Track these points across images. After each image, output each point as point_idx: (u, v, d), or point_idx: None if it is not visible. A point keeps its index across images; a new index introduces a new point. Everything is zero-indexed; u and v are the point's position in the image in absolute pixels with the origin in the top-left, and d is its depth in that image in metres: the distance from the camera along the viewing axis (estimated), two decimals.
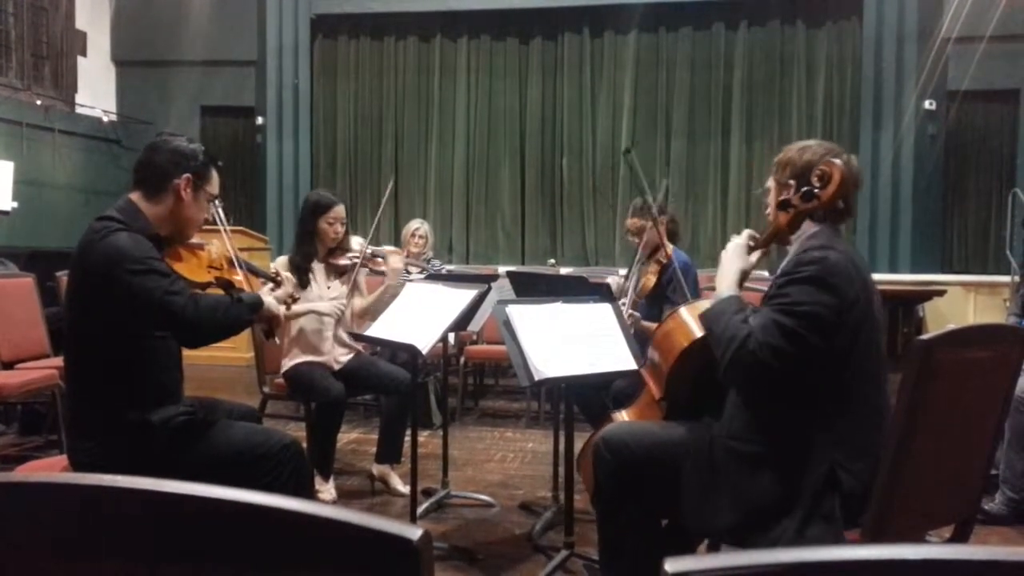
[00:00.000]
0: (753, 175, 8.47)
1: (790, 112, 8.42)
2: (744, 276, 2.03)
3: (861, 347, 1.84)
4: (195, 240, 2.40)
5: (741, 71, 8.49)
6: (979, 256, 8.05)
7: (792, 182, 1.99)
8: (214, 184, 2.33)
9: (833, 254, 1.83)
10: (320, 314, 3.57)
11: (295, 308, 3.44)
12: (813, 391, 1.83)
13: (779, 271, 1.93)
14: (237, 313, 2.24)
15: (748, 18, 8.46)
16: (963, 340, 1.72)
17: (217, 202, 2.42)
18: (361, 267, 3.65)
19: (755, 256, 2.05)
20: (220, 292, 2.31)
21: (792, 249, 1.99)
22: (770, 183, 2.10)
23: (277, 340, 2.61)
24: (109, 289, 2.07)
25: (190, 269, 2.28)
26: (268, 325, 2.42)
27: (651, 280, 3.52)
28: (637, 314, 3.44)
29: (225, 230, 2.52)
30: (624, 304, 3.42)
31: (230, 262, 2.45)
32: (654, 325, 3.44)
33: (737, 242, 2.06)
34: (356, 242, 3.75)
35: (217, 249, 2.45)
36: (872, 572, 0.57)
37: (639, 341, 3.45)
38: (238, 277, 2.40)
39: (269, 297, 2.41)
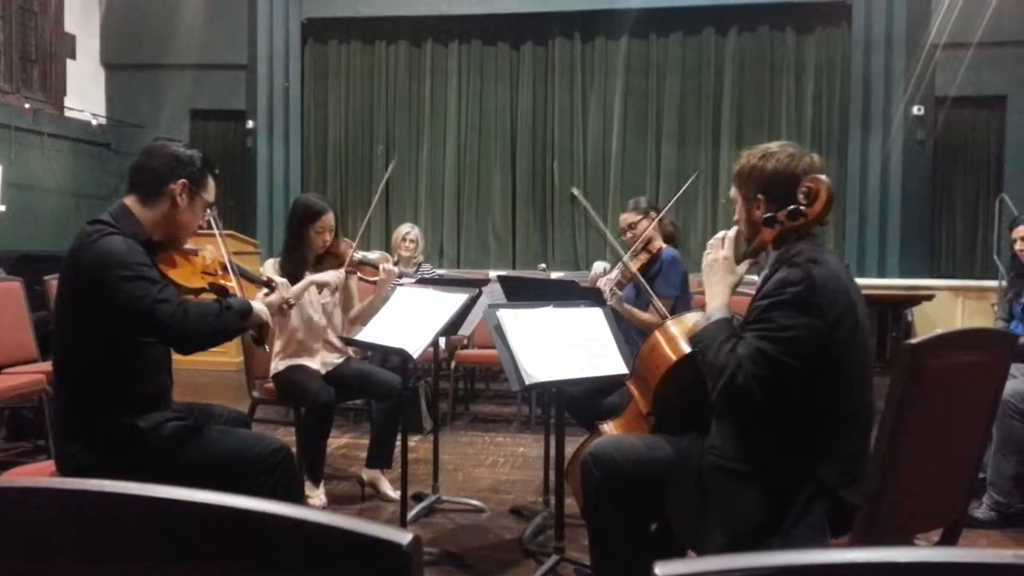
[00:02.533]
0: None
1: (780, 117, 8.46)
2: (734, 289, 2.01)
3: (849, 359, 1.83)
4: (189, 246, 2.39)
5: (731, 76, 8.52)
6: (967, 261, 8.10)
7: (760, 196, 1.95)
8: (210, 191, 2.32)
9: (816, 270, 1.81)
10: (321, 283, 3.52)
11: (297, 285, 3.41)
12: (802, 408, 1.81)
13: (760, 289, 1.91)
14: (227, 320, 2.23)
15: (738, 24, 8.50)
16: (951, 344, 1.73)
17: (212, 207, 2.41)
18: (349, 274, 3.64)
19: (743, 267, 2.02)
20: (213, 297, 2.30)
21: (769, 261, 1.97)
22: (734, 193, 2.05)
23: (267, 348, 2.59)
24: (98, 294, 2.06)
25: (183, 275, 2.27)
26: (258, 332, 2.41)
27: (635, 265, 3.56)
28: (620, 293, 3.50)
29: (220, 235, 2.50)
30: (608, 280, 3.49)
31: (224, 268, 2.44)
32: (634, 309, 3.51)
33: (725, 255, 2.01)
34: (347, 245, 3.74)
35: (211, 254, 2.44)
36: (860, 575, 0.57)
37: (616, 319, 3.52)
38: (232, 283, 2.39)
39: (259, 303, 2.40)
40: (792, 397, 1.80)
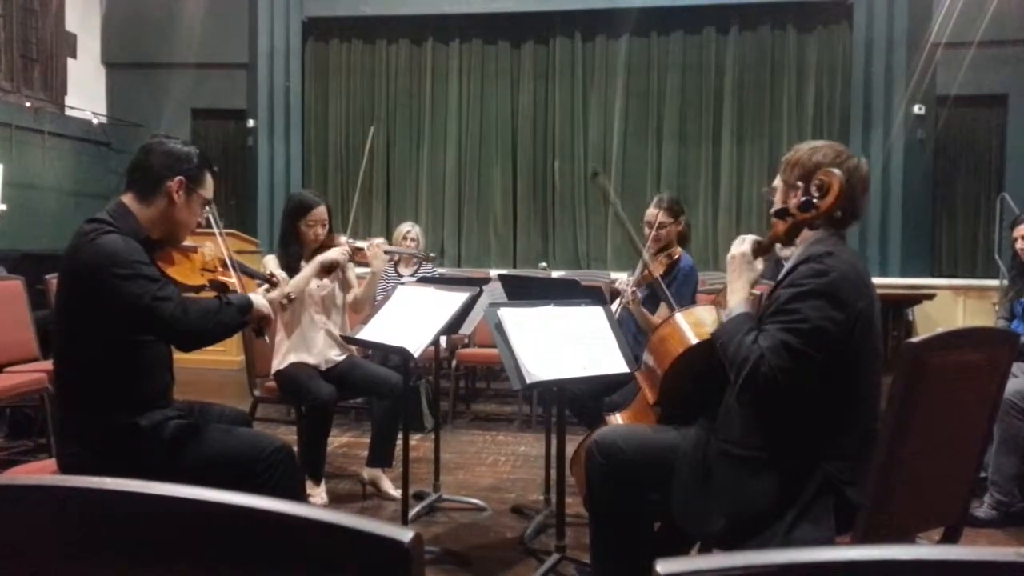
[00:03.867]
0: (744, 179, 8.52)
1: (780, 116, 8.46)
2: (753, 285, 2.02)
3: (865, 354, 1.83)
4: (188, 243, 2.39)
5: (732, 75, 8.52)
6: (968, 260, 8.10)
7: (800, 184, 1.97)
8: (208, 188, 2.31)
9: (838, 263, 1.81)
10: (329, 261, 3.48)
11: (304, 270, 3.42)
12: (815, 398, 1.82)
13: (783, 277, 1.91)
14: (227, 316, 2.23)
15: (739, 23, 8.50)
16: (952, 343, 1.73)
17: (211, 205, 2.40)
18: (347, 263, 3.65)
19: (760, 263, 2.04)
20: (214, 295, 2.30)
21: (795, 254, 1.96)
22: (778, 182, 2.07)
23: (267, 339, 2.59)
24: (97, 293, 2.06)
25: (183, 272, 2.27)
26: (258, 324, 2.41)
27: (658, 269, 3.52)
28: (640, 294, 3.47)
29: (220, 233, 2.50)
30: (628, 283, 3.47)
31: (224, 264, 2.43)
32: (650, 315, 3.50)
33: (743, 250, 2.02)
34: (341, 239, 3.73)
35: (211, 251, 2.44)
36: (862, 573, 0.57)
37: (631, 321, 3.52)
38: (232, 279, 2.39)
39: (259, 297, 2.40)
40: (807, 390, 1.80)
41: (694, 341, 2.12)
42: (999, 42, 7.51)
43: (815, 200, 1.85)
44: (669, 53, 8.64)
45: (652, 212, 3.69)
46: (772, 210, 2.07)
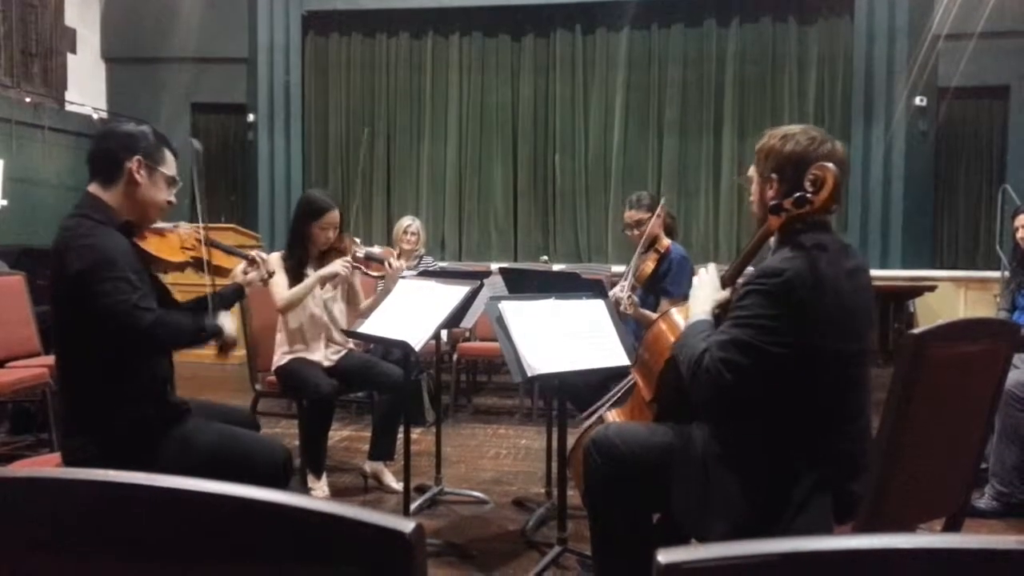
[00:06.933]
0: (745, 171, 8.50)
1: (782, 108, 8.44)
2: (718, 304, 2.01)
3: (844, 352, 1.81)
4: (163, 224, 2.42)
5: (733, 67, 8.51)
6: (969, 251, 8.10)
7: (774, 176, 1.94)
8: (169, 165, 2.30)
9: (800, 263, 1.78)
10: (330, 276, 3.52)
11: (304, 283, 3.45)
12: (789, 400, 1.80)
13: (745, 276, 1.91)
14: (197, 340, 2.29)
15: (740, 15, 8.48)
16: (954, 334, 1.72)
17: (199, 205, 2.43)
18: (354, 269, 3.65)
19: (727, 291, 2.03)
20: (196, 273, 2.36)
21: (773, 248, 1.95)
22: (752, 172, 2.05)
23: (227, 356, 2.61)
24: (83, 293, 2.06)
25: (165, 250, 2.31)
26: (224, 344, 2.44)
27: (649, 266, 3.56)
28: (636, 298, 3.48)
29: (200, 212, 2.52)
30: (623, 287, 3.47)
31: (198, 240, 2.46)
32: (651, 313, 3.49)
33: (709, 278, 2.04)
34: (350, 242, 3.73)
35: (185, 229, 2.47)
36: (864, 561, 0.58)
37: (636, 325, 3.51)
38: (209, 256, 2.43)
39: (230, 324, 2.41)
40: (778, 388, 1.78)
41: None
42: (1000, 33, 7.49)
43: (809, 195, 1.83)
44: (670, 46, 8.62)
45: (628, 214, 3.77)
46: (751, 197, 2.05)
